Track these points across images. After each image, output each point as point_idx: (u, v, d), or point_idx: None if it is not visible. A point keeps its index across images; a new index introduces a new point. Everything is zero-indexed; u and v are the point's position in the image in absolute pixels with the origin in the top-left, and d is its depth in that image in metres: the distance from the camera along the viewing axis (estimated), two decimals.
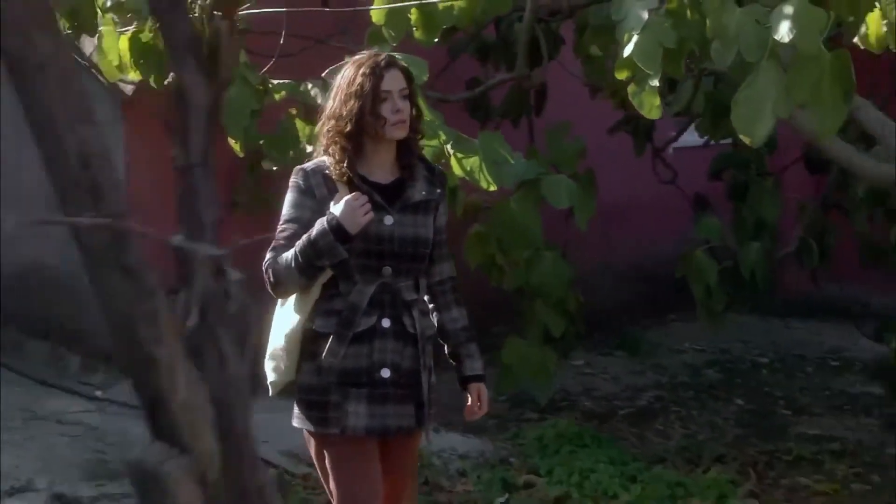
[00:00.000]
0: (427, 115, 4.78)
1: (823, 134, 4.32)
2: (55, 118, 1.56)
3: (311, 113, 6.10)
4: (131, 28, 5.97)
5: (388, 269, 3.77)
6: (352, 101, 3.73)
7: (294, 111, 6.08)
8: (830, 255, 7.60)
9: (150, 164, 7.25)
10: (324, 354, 3.69)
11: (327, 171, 3.79)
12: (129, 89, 6.88)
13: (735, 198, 7.29)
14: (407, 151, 3.91)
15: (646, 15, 4.23)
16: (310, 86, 6.06)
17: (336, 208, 3.65)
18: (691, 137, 7.47)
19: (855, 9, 4.25)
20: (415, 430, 3.84)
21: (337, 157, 3.76)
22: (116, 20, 6.02)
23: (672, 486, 5.45)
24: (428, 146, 5.38)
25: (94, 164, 1.59)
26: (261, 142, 6.16)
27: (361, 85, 3.74)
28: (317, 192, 3.76)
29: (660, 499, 5.35)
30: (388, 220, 3.77)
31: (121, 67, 6.05)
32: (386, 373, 3.73)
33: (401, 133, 3.82)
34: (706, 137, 7.15)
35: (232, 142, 6.08)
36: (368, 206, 3.69)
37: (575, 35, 6.60)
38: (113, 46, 6.02)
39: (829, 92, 4.13)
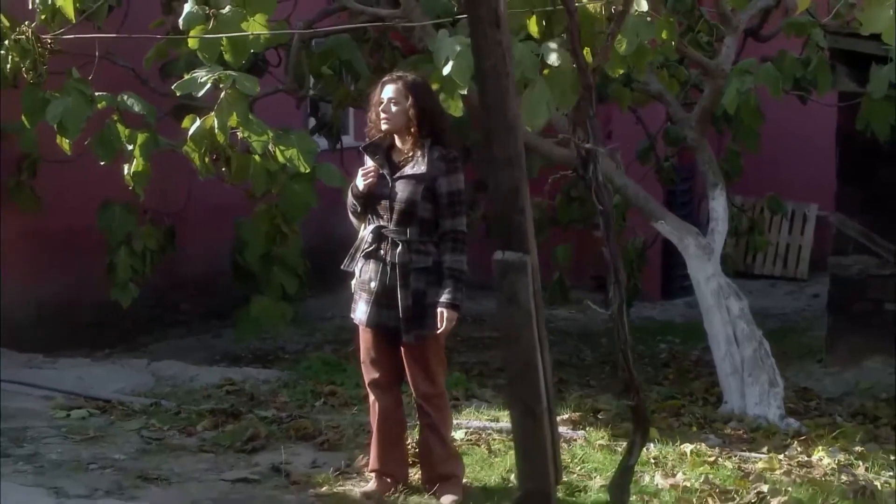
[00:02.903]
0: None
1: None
2: (506, 89, 3.47)
3: (127, 119, 7.63)
4: None
5: (385, 217, 5.40)
6: (371, 107, 5.53)
7: (115, 117, 7.53)
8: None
9: None
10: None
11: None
12: None
13: None
14: (409, 141, 5.44)
15: (459, 47, 6.32)
16: (126, 97, 7.56)
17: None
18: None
19: (588, 45, 6.54)
20: (401, 331, 5.35)
21: (367, 140, 5.57)
22: None
23: None
24: (257, 141, 7.17)
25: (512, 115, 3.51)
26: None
27: (373, 95, 5.53)
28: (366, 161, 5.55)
29: None
30: (392, 186, 5.40)
31: None
32: (374, 285, 5.39)
33: (386, 126, 5.42)
34: None
35: (62, 140, 7.43)
36: (372, 174, 5.40)
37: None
38: None
39: (571, 95, 6.43)
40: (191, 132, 7.17)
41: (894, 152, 8.07)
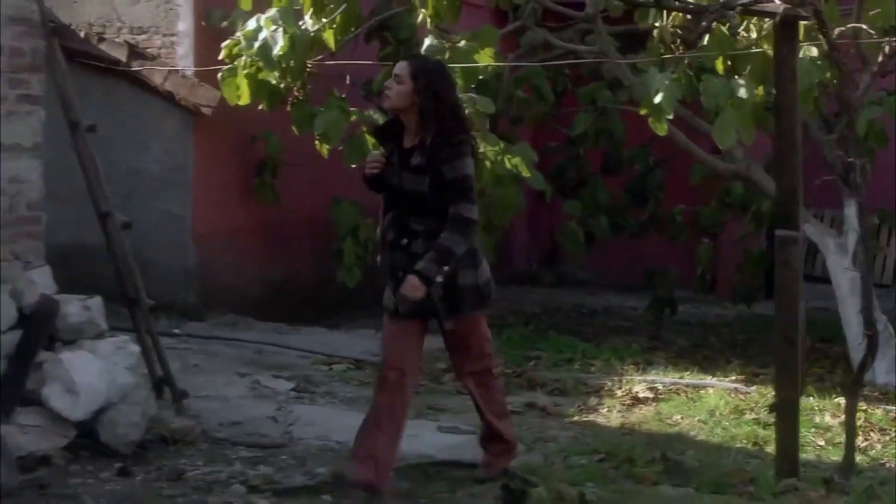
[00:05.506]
0: None
1: (747, 143, 8.35)
2: (795, 121, 5.19)
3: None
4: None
5: (401, 207, 5.30)
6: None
7: (364, 128, 9.30)
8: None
9: (214, 163, 10.16)
10: None
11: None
12: (208, 110, 9.77)
13: (576, 188, 11.22)
14: (415, 125, 5.29)
15: (667, 82, 8.02)
16: (372, 112, 9.34)
17: None
18: None
19: (765, 81, 8.20)
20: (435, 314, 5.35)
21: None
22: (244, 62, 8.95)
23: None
24: (491, 150, 8.90)
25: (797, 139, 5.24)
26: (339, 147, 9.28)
27: None
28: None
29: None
30: (400, 175, 5.30)
31: (239, 95, 9.05)
32: (400, 274, 5.29)
33: (386, 103, 5.37)
34: None
35: (322, 146, 9.20)
36: (375, 164, 5.35)
37: None
38: (237, 81, 8.99)
39: (752, 120, 8.13)
40: None
41: None
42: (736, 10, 6.96)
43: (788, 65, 5.16)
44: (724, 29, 8.14)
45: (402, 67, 5.32)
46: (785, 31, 5.10)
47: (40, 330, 6.06)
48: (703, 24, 7.72)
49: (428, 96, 5.21)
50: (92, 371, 5.98)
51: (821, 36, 6.73)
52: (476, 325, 5.55)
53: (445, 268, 5.17)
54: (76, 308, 6.24)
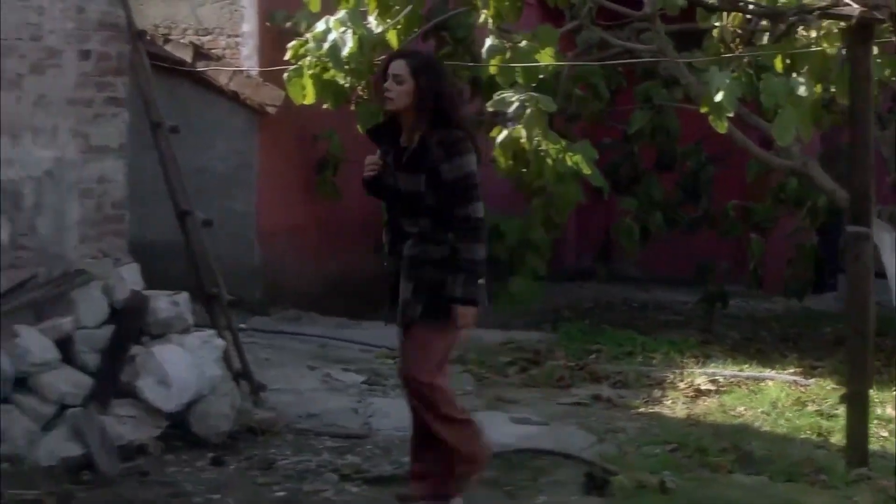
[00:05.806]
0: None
1: (806, 140, 8.50)
2: (868, 121, 5.35)
3: None
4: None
5: (396, 209, 5.10)
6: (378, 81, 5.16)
7: None
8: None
9: (278, 161, 10.40)
10: None
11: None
12: (272, 110, 10.00)
13: (630, 185, 11.38)
14: (414, 124, 5.02)
15: (728, 80, 8.18)
16: None
17: None
18: None
19: (822, 79, 8.36)
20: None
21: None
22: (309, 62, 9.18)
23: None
24: (553, 148, 9.07)
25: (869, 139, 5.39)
26: None
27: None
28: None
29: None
30: (395, 176, 5.07)
31: (304, 95, 9.27)
32: (392, 279, 5.10)
33: (388, 105, 5.05)
34: None
35: None
36: (374, 166, 5.09)
37: None
38: (302, 81, 9.21)
39: (810, 118, 8.28)
40: (499, 140, 9.12)
41: None
42: (813, 14, 7.08)
43: (863, 65, 5.33)
44: (783, 28, 8.30)
45: (400, 66, 5.05)
46: (860, 33, 5.28)
47: (132, 325, 6.30)
48: (781, 27, 7.84)
49: (430, 93, 4.99)
50: (182, 364, 6.21)
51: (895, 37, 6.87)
52: (425, 335, 5.03)
53: (481, 280, 4.93)
54: (165, 303, 6.48)
